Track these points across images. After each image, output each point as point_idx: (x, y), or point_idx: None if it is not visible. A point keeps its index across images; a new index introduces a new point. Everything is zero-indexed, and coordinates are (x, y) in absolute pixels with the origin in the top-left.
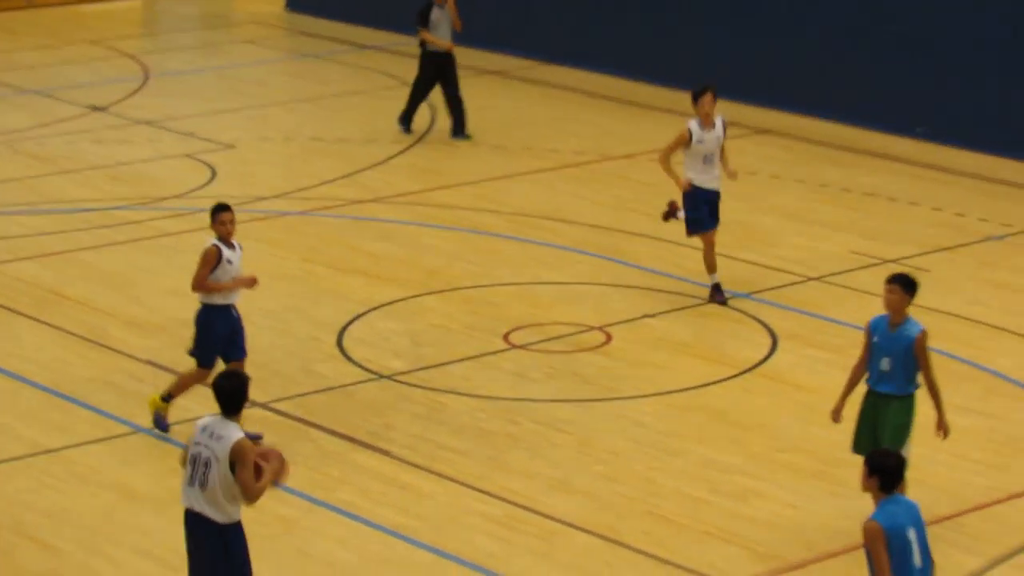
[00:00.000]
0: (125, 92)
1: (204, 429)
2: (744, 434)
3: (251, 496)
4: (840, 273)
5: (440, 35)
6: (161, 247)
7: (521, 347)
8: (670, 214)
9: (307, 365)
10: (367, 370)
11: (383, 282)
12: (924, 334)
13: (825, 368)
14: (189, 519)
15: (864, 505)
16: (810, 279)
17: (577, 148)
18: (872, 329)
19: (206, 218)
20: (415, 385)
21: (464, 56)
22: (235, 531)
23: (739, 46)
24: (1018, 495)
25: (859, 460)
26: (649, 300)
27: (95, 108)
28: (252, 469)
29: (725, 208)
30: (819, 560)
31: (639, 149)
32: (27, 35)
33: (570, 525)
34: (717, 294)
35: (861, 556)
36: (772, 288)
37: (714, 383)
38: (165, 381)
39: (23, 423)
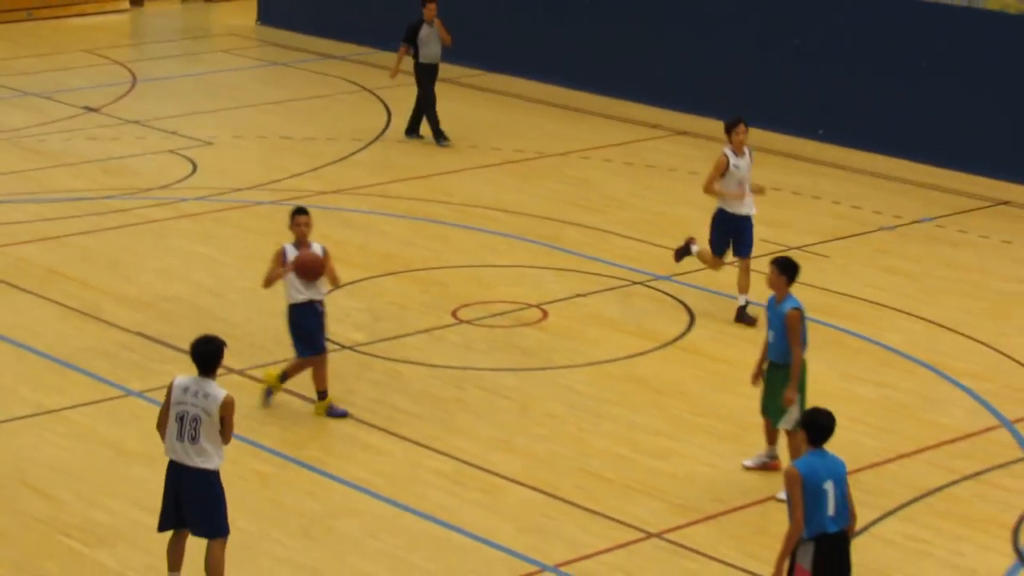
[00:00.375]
0: (115, 95)
1: (186, 390)
2: (665, 400)
3: (229, 439)
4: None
5: (429, 51)
6: (148, 232)
7: (468, 322)
8: (684, 251)
9: (278, 336)
10: (331, 342)
11: (345, 264)
12: (796, 311)
13: (737, 342)
14: (175, 470)
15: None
16: (724, 264)
17: (517, 147)
18: (768, 306)
19: (189, 207)
20: (374, 355)
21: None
22: (217, 476)
23: (662, 57)
24: (906, 455)
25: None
26: (581, 281)
27: (89, 109)
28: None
29: (650, 201)
30: (730, 512)
31: (572, 148)
32: (27, 45)
33: (512, 480)
34: (743, 315)
35: (767, 509)
36: (690, 271)
37: (639, 355)
38: (154, 350)
39: (27, 386)
